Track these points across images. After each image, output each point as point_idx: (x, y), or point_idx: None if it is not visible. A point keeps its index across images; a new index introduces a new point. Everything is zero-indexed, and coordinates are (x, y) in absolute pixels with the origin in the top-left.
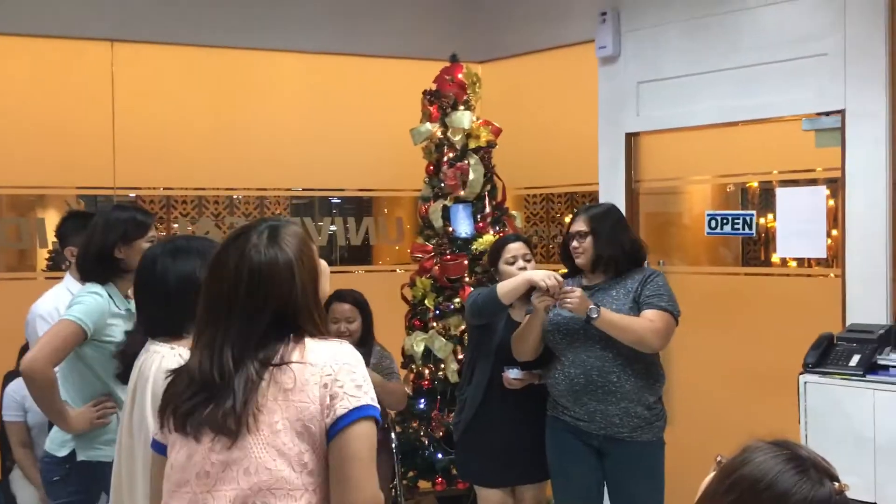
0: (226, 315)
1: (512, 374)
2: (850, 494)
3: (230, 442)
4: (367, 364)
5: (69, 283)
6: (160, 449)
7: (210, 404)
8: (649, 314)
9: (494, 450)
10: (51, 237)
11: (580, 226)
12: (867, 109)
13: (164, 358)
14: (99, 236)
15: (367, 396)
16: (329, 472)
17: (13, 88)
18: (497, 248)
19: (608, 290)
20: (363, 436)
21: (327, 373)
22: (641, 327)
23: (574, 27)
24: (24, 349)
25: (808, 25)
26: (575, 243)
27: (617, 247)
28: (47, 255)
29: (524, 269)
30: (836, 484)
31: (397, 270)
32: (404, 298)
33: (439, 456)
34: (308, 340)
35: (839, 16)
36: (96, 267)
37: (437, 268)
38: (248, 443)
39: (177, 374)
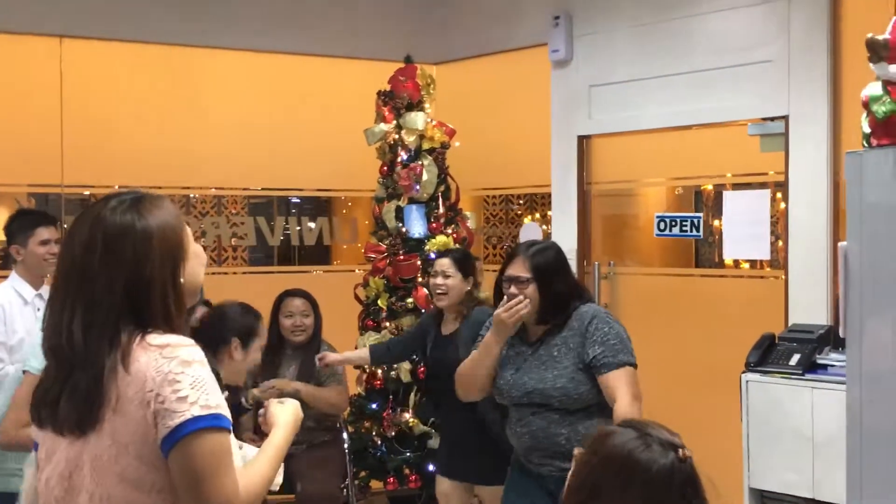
0: (76, 284)
1: None
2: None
3: (79, 439)
4: (312, 360)
5: (14, 282)
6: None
7: (68, 387)
8: (615, 385)
9: (450, 444)
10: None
11: (520, 270)
12: (809, 115)
13: None
14: None
15: (196, 406)
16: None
17: None
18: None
19: (551, 352)
20: (194, 452)
21: (148, 388)
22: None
23: (527, 30)
24: None
25: (754, 32)
26: (514, 290)
27: (564, 295)
28: None
29: (441, 286)
30: (680, 451)
31: (356, 270)
32: (357, 298)
33: (391, 456)
34: (143, 344)
35: (783, 24)
36: None
37: (390, 268)
38: (93, 446)
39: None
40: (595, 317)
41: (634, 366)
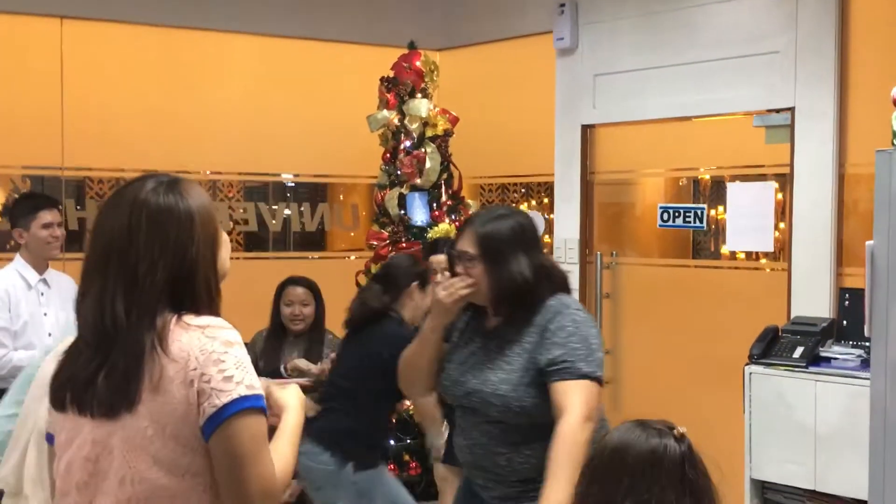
0: (116, 265)
1: None
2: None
3: (108, 420)
4: (321, 354)
5: (18, 266)
6: (52, 440)
7: (106, 366)
8: (564, 399)
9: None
10: None
11: (466, 244)
12: (816, 107)
13: None
14: None
15: (241, 386)
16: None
17: None
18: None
19: (503, 348)
20: (239, 433)
21: (192, 367)
22: (568, 456)
23: (532, 18)
24: None
25: (760, 23)
26: (459, 268)
27: (520, 280)
28: None
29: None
30: (675, 430)
31: (351, 257)
32: (359, 285)
33: (392, 443)
34: (181, 324)
35: (791, 15)
36: None
37: (392, 255)
38: (126, 428)
39: (73, 343)
40: (560, 312)
41: (599, 381)
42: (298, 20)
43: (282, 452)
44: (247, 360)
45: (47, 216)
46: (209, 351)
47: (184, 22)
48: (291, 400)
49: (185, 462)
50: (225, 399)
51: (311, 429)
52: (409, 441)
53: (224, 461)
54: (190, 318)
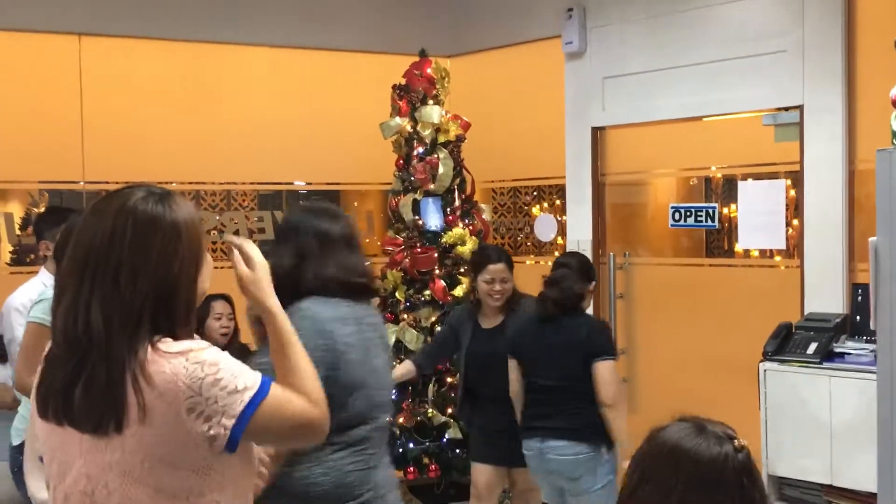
0: (94, 270)
1: None
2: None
3: (95, 446)
4: None
5: (44, 277)
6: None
7: (83, 376)
8: None
9: (484, 430)
10: (15, 232)
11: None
12: (824, 105)
13: None
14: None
15: (248, 391)
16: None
17: None
18: (479, 262)
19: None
20: (267, 420)
21: (186, 396)
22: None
23: (540, 23)
24: None
25: (768, 23)
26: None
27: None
28: (11, 250)
29: (499, 293)
30: (735, 441)
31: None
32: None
33: (411, 445)
34: (158, 352)
35: (798, 14)
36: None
37: (407, 260)
38: (120, 463)
39: (48, 352)
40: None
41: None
42: (310, 31)
43: (301, 371)
44: (236, 364)
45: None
46: (200, 378)
47: (197, 35)
48: (273, 304)
49: (188, 485)
50: (240, 407)
51: (551, 431)
52: (427, 444)
53: (271, 439)
54: (166, 345)
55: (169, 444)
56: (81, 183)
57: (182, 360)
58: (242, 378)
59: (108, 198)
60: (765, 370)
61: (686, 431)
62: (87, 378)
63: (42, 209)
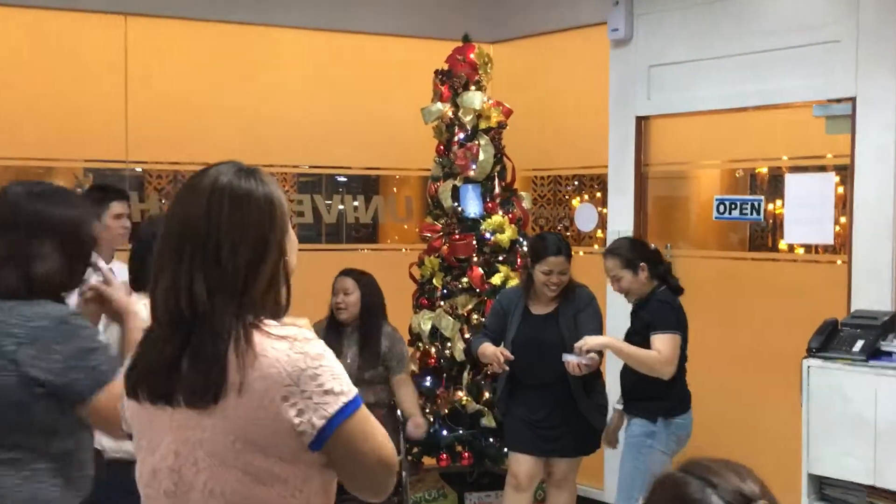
0: (194, 246)
1: (571, 358)
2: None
3: (198, 413)
4: (379, 345)
5: None
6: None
7: (189, 350)
8: None
9: (524, 421)
10: None
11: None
12: (878, 97)
13: (139, 306)
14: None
15: (342, 397)
16: (328, 461)
17: (27, 61)
18: (539, 252)
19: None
20: (354, 435)
21: (285, 383)
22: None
23: (586, 9)
24: None
25: (820, 11)
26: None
27: None
28: None
29: (555, 285)
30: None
31: (403, 250)
32: (412, 277)
33: (444, 433)
34: (262, 332)
35: (852, 3)
36: None
37: (445, 247)
38: (211, 442)
39: (146, 333)
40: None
41: None
42: (354, 15)
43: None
44: (338, 367)
45: (119, 207)
46: (302, 368)
47: (242, 18)
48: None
49: (275, 472)
50: (331, 410)
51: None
52: (461, 432)
53: (346, 461)
54: (270, 326)
55: (261, 428)
56: (125, 163)
57: (286, 345)
58: (340, 382)
59: (197, 177)
60: (808, 366)
61: (693, 486)
62: (193, 351)
63: (86, 188)
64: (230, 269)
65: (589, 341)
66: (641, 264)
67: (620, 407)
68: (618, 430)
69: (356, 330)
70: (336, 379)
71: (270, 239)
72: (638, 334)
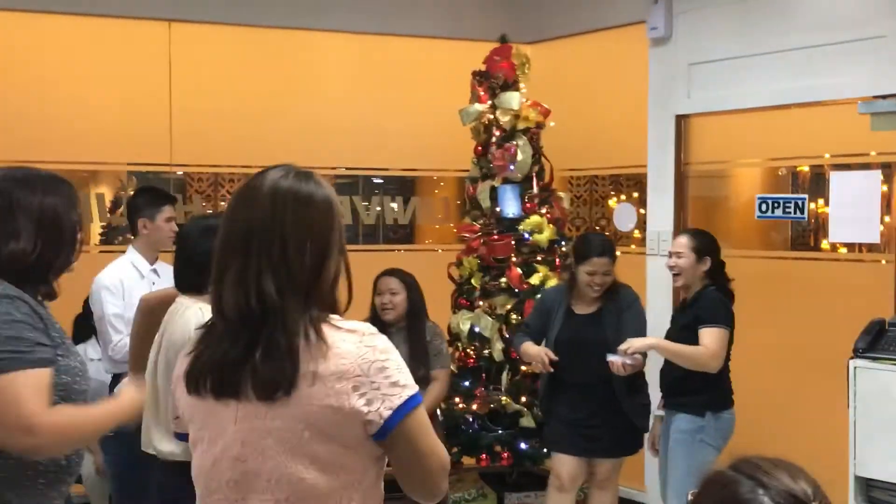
0: (260, 246)
1: (616, 358)
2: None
3: (266, 404)
4: (424, 344)
5: (132, 257)
6: (183, 439)
7: (261, 345)
8: None
9: (567, 421)
10: (106, 213)
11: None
12: None
13: (188, 309)
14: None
15: (408, 388)
16: (389, 460)
17: (73, 67)
18: (583, 253)
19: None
20: (417, 428)
21: (355, 374)
22: None
23: (624, 8)
24: (79, 318)
25: (865, 6)
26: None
27: None
28: (100, 231)
29: (599, 286)
30: None
31: (439, 251)
32: (451, 277)
33: (483, 433)
34: (329, 325)
35: None
36: None
37: (483, 248)
38: (279, 430)
39: (206, 329)
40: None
41: None
42: (392, 17)
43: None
44: (402, 362)
45: (170, 210)
46: (371, 360)
47: (281, 22)
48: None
49: (342, 461)
50: (398, 402)
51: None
52: (500, 432)
53: (405, 455)
54: (337, 320)
55: (331, 419)
56: (170, 166)
57: (356, 338)
58: (404, 376)
59: (254, 181)
60: (855, 367)
61: (745, 487)
62: (266, 346)
63: (131, 192)
64: (297, 268)
65: (634, 343)
66: (706, 257)
67: (662, 413)
68: (660, 436)
69: (402, 330)
70: (401, 372)
71: (331, 238)
72: (687, 328)
